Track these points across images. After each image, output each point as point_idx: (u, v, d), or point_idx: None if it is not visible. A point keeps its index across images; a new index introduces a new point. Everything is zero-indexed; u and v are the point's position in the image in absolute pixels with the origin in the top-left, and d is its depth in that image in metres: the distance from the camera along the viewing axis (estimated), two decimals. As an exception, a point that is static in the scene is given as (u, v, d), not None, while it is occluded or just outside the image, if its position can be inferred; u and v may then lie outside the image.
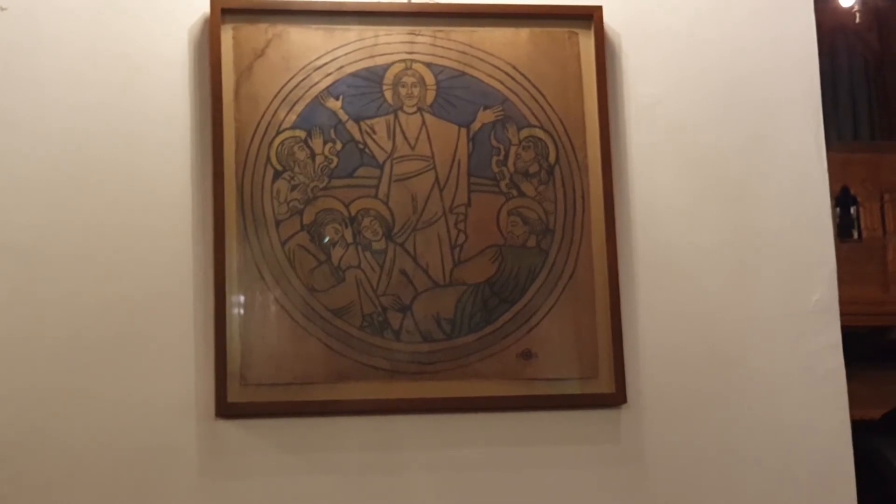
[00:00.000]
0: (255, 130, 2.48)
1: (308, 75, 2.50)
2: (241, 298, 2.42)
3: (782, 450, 2.54)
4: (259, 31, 2.50)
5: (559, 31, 2.60)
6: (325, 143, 2.50)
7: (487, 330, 2.49)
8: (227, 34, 2.49)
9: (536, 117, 2.57)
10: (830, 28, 7.74)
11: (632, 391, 2.51)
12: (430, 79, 2.55)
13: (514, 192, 2.54)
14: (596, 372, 2.50)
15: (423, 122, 2.53)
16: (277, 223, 2.46)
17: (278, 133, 2.48)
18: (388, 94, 2.53)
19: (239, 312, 2.42)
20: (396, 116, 2.53)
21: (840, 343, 2.60)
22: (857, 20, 7.76)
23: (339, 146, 2.50)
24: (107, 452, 2.36)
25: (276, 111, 2.49)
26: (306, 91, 2.50)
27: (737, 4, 2.69)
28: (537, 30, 2.59)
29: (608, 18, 2.61)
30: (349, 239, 2.48)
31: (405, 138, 2.52)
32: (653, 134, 2.61)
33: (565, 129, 2.57)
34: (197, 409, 2.39)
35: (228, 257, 2.42)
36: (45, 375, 2.36)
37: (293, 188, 2.47)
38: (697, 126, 2.63)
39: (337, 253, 2.47)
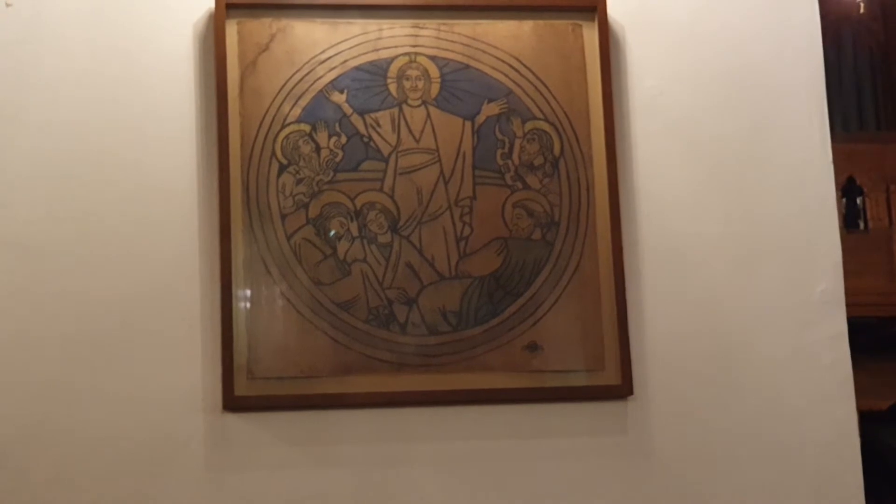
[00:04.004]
0: (260, 124, 2.48)
1: (312, 69, 2.51)
2: (248, 292, 2.43)
3: (788, 440, 2.54)
4: (263, 26, 2.51)
5: (562, 24, 2.60)
6: (329, 136, 2.50)
7: (493, 322, 2.49)
8: (231, 29, 2.49)
9: (541, 110, 2.57)
10: (835, 18, 7.73)
11: (638, 383, 2.51)
12: (434, 72, 2.55)
13: (519, 185, 2.54)
14: (602, 364, 2.50)
15: (428, 116, 2.54)
16: (283, 217, 2.46)
17: (283, 127, 2.49)
18: (393, 88, 2.53)
19: (245, 306, 2.42)
20: (401, 110, 2.53)
21: (846, 333, 2.60)
22: (862, 10, 7.74)
23: (343, 140, 2.50)
24: (114, 446, 2.37)
25: (280, 105, 2.49)
26: (311, 85, 2.50)
27: (741, -6, 2.70)
28: (541, 22, 2.59)
29: (611, 10, 2.61)
30: (355, 232, 2.48)
31: (410, 131, 2.53)
32: (657, 125, 2.61)
33: (570, 122, 2.57)
34: (204, 403, 2.39)
35: (234, 251, 2.43)
36: (51, 369, 2.37)
37: (298, 182, 2.48)
38: (702, 116, 2.63)
39: (342, 246, 2.48)
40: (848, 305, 2.62)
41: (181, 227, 2.44)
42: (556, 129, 2.57)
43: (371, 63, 2.53)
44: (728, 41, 2.67)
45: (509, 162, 2.55)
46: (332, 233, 2.48)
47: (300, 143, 2.49)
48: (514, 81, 2.57)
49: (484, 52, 2.57)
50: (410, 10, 2.55)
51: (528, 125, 2.56)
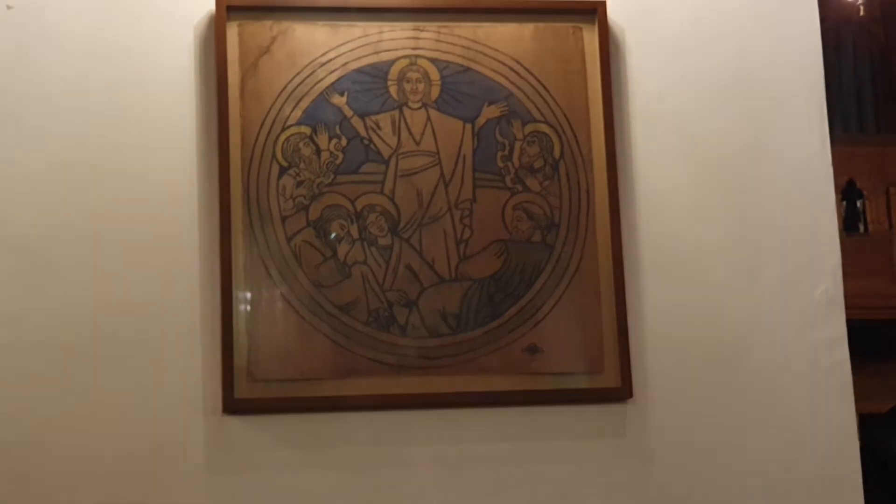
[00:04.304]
0: (261, 127, 2.48)
1: (313, 71, 2.51)
2: (248, 295, 2.43)
3: (788, 443, 2.55)
4: (264, 28, 2.51)
5: (563, 26, 2.60)
6: (330, 139, 2.50)
7: (493, 325, 2.49)
8: (232, 31, 2.50)
9: (541, 112, 2.57)
10: (836, 21, 7.74)
11: (638, 385, 2.51)
12: (434, 74, 2.55)
13: (520, 188, 2.55)
14: (602, 366, 2.50)
15: (428, 118, 2.54)
16: (283, 219, 2.46)
17: (284, 129, 2.49)
18: (393, 90, 2.54)
19: (245, 309, 2.42)
20: (401, 112, 2.53)
21: (845, 336, 2.60)
22: (862, 13, 7.74)
23: (344, 142, 2.51)
24: (114, 449, 2.37)
25: (281, 108, 2.49)
26: (311, 87, 2.51)
27: (741, -3, 2.70)
28: (541, 25, 2.59)
29: (612, 13, 2.61)
30: (355, 235, 2.48)
31: (410, 134, 2.53)
32: (657, 128, 2.62)
33: (570, 124, 2.58)
34: (204, 406, 2.40)
35: (235, 254, 2.43)
36: (52, 372, 2.37)
37: (299, 184, 2.48)
38: (702, 120, 2.63)
39: (343, 249, 2.48)
40: (848, 308, 2.62)
41: (181, 229, 2.44)
42: (557, 132, 2.57)
43: (371, 65, 2.54)
44: (728, 44, 2.67)
45: (509, 164, 2.55)
46: (333, 235, 2.48)
47: (301, 145, 2.49)
48: (514, 84, 2.57)
49: (484, 54, 2.57)
50: (411, 12, 2.56)
51: (529, 128, 2.57)
